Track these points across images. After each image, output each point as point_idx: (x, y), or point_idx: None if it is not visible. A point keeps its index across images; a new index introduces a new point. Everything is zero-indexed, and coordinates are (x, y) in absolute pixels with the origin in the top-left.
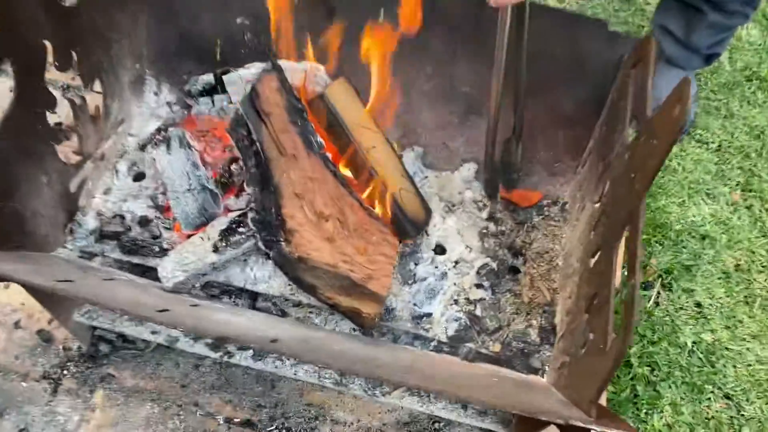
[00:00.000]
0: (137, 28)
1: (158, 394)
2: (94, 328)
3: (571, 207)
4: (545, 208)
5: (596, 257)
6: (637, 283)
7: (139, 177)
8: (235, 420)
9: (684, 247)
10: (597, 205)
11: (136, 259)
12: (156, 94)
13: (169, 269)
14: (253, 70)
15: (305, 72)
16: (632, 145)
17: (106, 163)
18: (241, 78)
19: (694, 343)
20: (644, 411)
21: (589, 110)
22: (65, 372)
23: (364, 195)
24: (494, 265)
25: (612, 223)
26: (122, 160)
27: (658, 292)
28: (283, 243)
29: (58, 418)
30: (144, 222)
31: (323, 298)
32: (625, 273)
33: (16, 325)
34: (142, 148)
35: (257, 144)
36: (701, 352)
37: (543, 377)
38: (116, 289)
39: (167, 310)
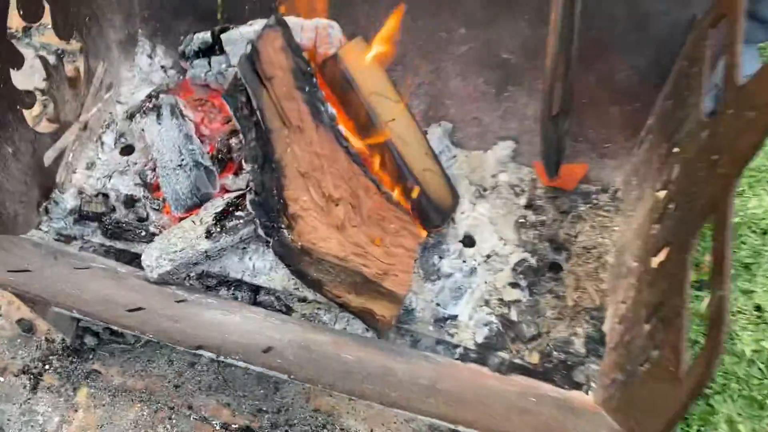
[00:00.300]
0: None
1: (148, 395)
2: (78, 319)
3: (625, 194)
4: (593, 196)
5: (662, 256)
6: (726, 294)
7: (127, 150)
8: (233, 426)
9: (743, 243)
10: (662, 193)
11: (120, 244)
12: (150, 56)
13: (154, 257)
14: (256, 27)
15: (316, 30)
16: (714, 121)
17: (89, 134)
18: (242, 36)
19: (754, 351)
20: (695, 428)
21: (650, 80)
22: (47, 367)
23: (381, 176)
24: (533, 260)
25: (685, 215)
26: (108, 130)
27: None
28: (284, 230)
29: (36, 418)
30: (129, 202)
31: (330, 295)
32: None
33: None
34: (131, 117)
35: (258, 113)
36: (762, 363)
37: (588, 394)
38: (86, 281)
39: (141, 308)
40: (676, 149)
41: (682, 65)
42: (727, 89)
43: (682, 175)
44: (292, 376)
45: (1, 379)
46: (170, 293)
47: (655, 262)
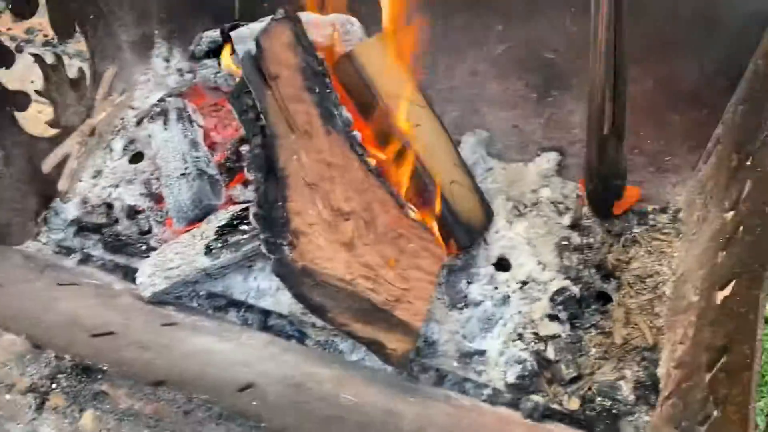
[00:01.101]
0: None
1: (156, 421)
2: None
3: (687, 216)
4: (650, 216)
5: (728, 290)
6: None
7: (136, 157)
8: None
9: None
10: (729, 214)
11: (121, 259)
12: (166, 59)
13: (147, 275)
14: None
15: (333, 26)
16: None
17: (98, 140)
18: (252, 34)
19: None
20: None
21: (719, 84)
22: (54, 385)
23: (401, 189)
24: (576, 289)
25: (758, 241)
26: (118, 137)
27: None
28: (285, 248)
29: None
30: (132, 213)
31: (335, 323)
32: None
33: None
34: (139, 122)
35: (262, 116)
36: None
37: None
38: (60, 300)
39: (110, 332)
40: (748, 162)
41: (758, 65)
42: None
43: (755, 193)
44: (263, 424)
45: (8, 396)
46: (162, 314)
47: (720, 297)
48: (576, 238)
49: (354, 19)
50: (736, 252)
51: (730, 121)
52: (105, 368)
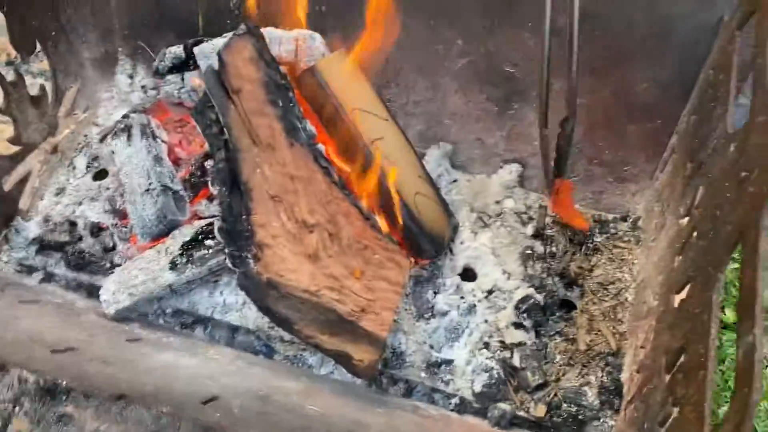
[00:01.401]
0: None
1: None
2: None
3: (647, 223)
4: (611, 225)
5: (684, 293)
6: (759, 339)
7: (100, 174)
8: None
9: None
10: (684, 220)
11: (84, 276)
12: (130, 76)
13: (111, 292)
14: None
15: (296, 41)
16: (743, 133)
17: (61, 158)
18: (215, 49)
19: None
20: None
21: (673, 94)
22: (17, 408)
23: (366, 201)
24: (540, 297)
25: (710, 245)
26: (81, 154)
27: None
28: (250, 260)
29: None
30: (96, 230)
31: (302, 335)
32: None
33: None
34: (103, 138)
35: (225, 130)
36: None
37: None
38: (21, 318)
39: (71, 348)
40: (701, 170)
41: (708, 74)
42: (756, 93)
43: (706, 198)
44: None
45: None
46: (126, 331)
47: (677, 300)
48: (539, 248)
49: (317, 34)
50: (691, 256)
51: (684, 130)
52: (65, 383)
